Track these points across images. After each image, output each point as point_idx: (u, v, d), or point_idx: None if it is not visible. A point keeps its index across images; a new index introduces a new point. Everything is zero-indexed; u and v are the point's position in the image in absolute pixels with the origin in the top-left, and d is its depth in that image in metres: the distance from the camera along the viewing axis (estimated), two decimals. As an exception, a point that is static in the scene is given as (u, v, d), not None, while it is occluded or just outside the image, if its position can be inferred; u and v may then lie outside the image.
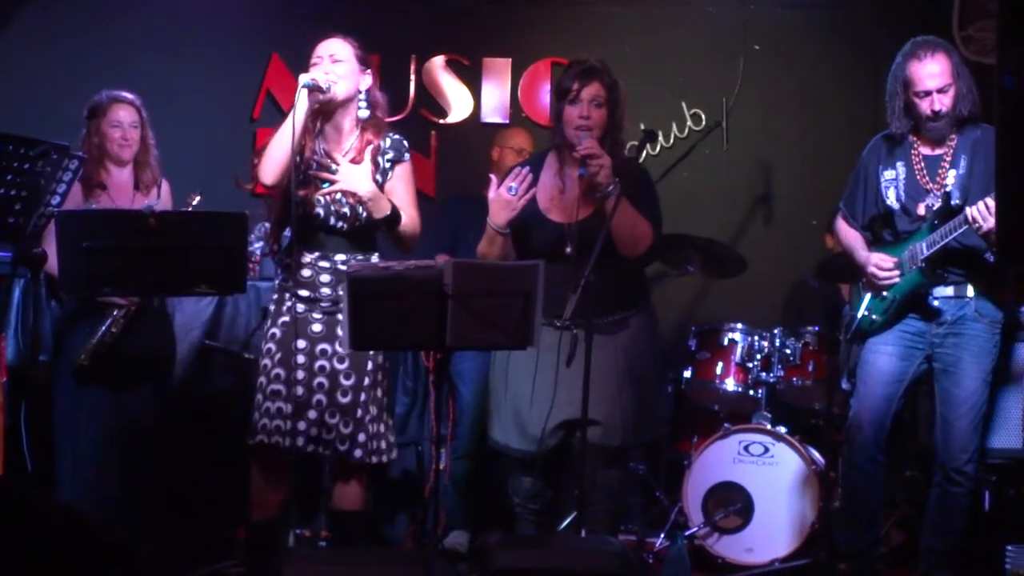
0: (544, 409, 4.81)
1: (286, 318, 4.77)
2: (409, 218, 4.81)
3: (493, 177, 4.91)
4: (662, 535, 5.89)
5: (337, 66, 4.73)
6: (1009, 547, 5.15)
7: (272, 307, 4.84)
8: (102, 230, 4.69)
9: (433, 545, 5.03)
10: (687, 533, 5.71)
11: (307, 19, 7.09)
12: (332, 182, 4.70)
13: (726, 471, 5.80)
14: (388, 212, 4.73)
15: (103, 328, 5.25)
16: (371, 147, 4.79)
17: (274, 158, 4.67)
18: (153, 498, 5.25)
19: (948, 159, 5.02)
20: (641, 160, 5.75)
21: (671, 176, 6.68)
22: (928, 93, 4.94)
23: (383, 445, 4.81)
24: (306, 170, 4.73)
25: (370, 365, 4.76)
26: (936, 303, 5.03)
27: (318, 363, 4.73)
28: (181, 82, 7.06)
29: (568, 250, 4.84)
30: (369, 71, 4.83)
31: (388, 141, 4.85)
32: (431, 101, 7.37)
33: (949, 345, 5.02)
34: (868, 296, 5.16)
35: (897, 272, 5.04)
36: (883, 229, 5.19)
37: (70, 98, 7.00)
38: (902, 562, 5.65)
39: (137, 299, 5.26)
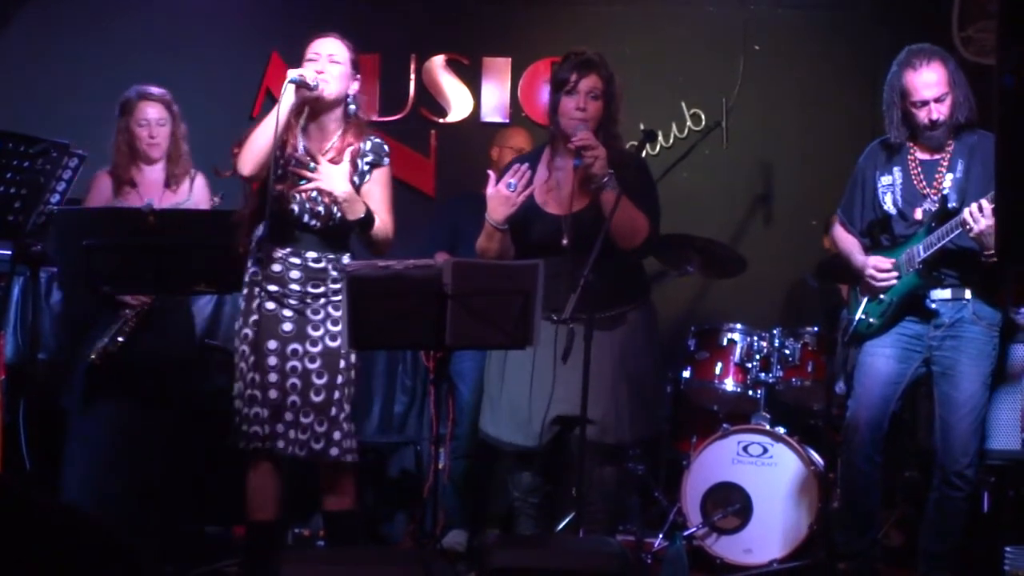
0: (540, 404, 4.81)
1: (255, 316, 4.73)
2: (383, 222, 4.77)
3: (491, 173, 4.92)
4: (661, 535, 5.89)
5: (332, 67, 4.73)
6: (1008, 548, 5.15)
7: (242, 302, 4.80)
8: (101, 228, 4.69)
9: (432, 544, 5.03)
10: (686, 533, 5.71)
11: (307, 18, 7.09)
12: (310, 179, 4.68)
13: (725, 471, 5.80)
14: (362, 215, 4.70)
15: (115, 328, 5.25)
16: (351, 149, 4.76)
17: (254, 150, 4.63)
18: (154, 497, 5.27)
19: (945, 164, 5.02)
20: (641, 159, 5.75)
21: (671, 176, 6.68)
22: (925, 103, 4.94)
23: (352, 444, 4.78)
24: (285, 165, 4.71)
25: (343, 364, 4.73)
26: (933, 305, 5.03)
27: (290, 364, 4.71)
28: (181, 81, 7.02)
29: (564, 242, 4.85)
30: (359, 75, 4.84)
31: (368, 144, 4.82)
32: (431, 100, 7.37)
33: (947, 348, 5.02)
34: (865, 300, 5.16)
35: (895, 274, 5.05)
36: (881, 234, 5.20)
37: (70, 97, 7.04)
38: (902, 563, 5.65)
39: (148, 300, 5.27)
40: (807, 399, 6.21)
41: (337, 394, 4.72)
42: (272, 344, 4.70)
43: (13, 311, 5.49)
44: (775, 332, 6.12)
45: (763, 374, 6.06)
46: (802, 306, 6.85)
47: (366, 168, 4.80)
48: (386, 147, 4.88)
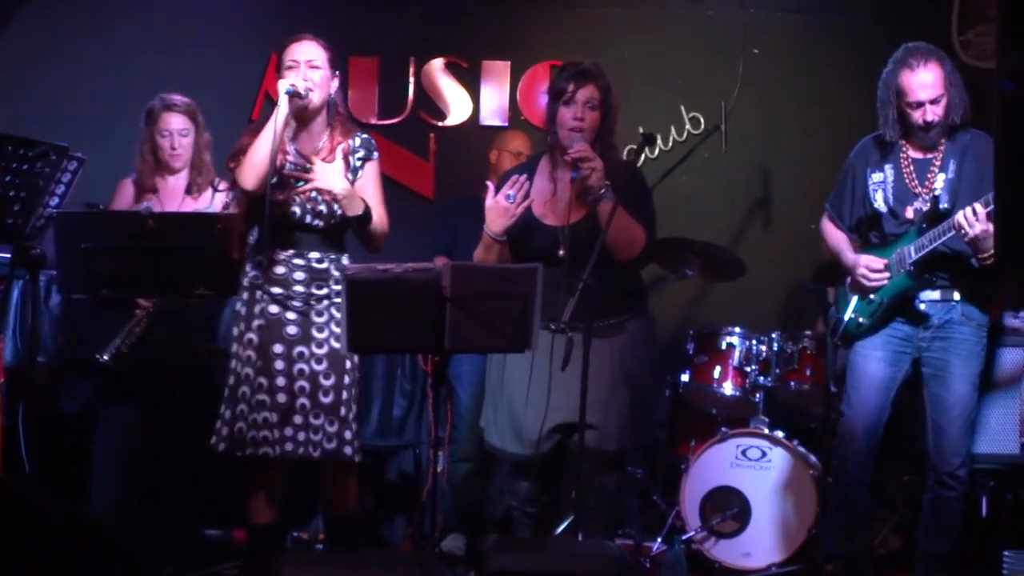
0: (539, 412, 4.80)
1: (260, 321, 4.76)
2: (379, 216, 4.82)
3: (490, 184, 4.92)
4: (659, 539, 5.90)
5: (313, 73, 4.76)
6: (1006, 552, 5.16)
7: (242, 308, 4.81)
8: (101, 231, 4.70)
9: (430, 548, 5.04)
10: (684, 537, 5.71)
11: (306, 20, 7.05)
12: (308, 181, 4.70)
13: (723, 475, 5.80)
14: (361, 210, 4.73)
15: (127, 328, 5.24)
16: (342, 146, 4.81)
17: (255, 163, 4.67)
18: (154, 499, 5.27)
19: (937, 163, 5.03)
20: (640, 164, 5.75)
21: (670, 180, 6.63)
22: (921, 104, 4.94)
23: (358, 443, 4.83)
24: (280, 171, 4.72)
25: (348, 364, 4.77)
26: (923, 307, 5.04)
27: (296, 366, 4.73)
28: (180, 82, 7.01)
29: (560, 253, 4.84)
30: (337, 72, 4.86)
31: (358, 140, 4.87)
32: (430, 103, 7.36)
33: (937, 349, 5.03)
34: (855, 299, 5.16)
35: (886, 274, 5.05)
36: (870, 231, 5.20)
37: (70, 98, 7.03)
38: (900, 567, 5.65)
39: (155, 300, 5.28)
40: (806, 403, 6.21)
41: (345, 394, 4.76)
42: (278, 348, 4.73)
43: (12, 314, 5.49)
44: (774, 336, 6.12)
45: (762, 378, 6.06)
46: (801, 310, 6.85)
47: (358, 164, 4.84)
48: (373, 141, 4.93)
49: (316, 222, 4.77)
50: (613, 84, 4.97)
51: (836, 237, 5.29)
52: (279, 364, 4.72)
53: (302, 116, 4.80)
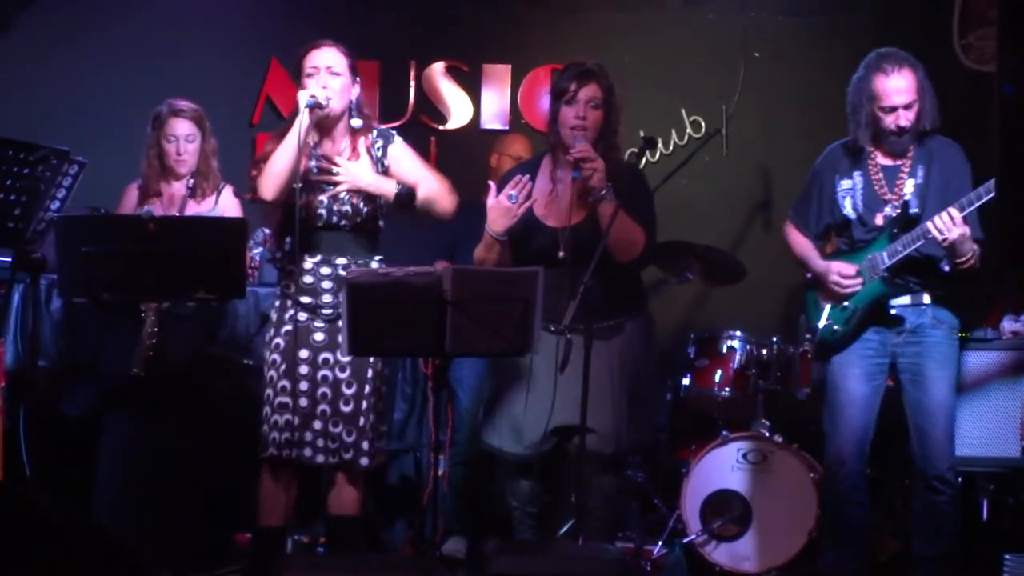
0: (539, 414, 4.81)
1: (288, 327, 4.81)
2: (428, 182, 4.89)
3: (492, 184, 4.92)
4: (660, 542, 5.89)
5: (334, 80, 4.80)
6: (1007, 555, 5.15)
7: (274, 314, 4.90)
8: (102, 235, 4.69)
9: (431, 551, 5.04)
10: (685, 541, 5.71)
11: (307, 23, 7.08)
12: (336, 183, 4.74)
13: (724, 479, 5.79)
14: (396, 190, 4.80)
15: (143, 333, 5.23)
16: (363, 141, 4.88)
17: (275, 174, 4.73)
18: (156, 502, 5.27)
19: (907, 170, 5.06)
20: (640, 167, 5.75)
21: (671, 183, 6.68)
22: (894, 109, 4.97)
23: (375, 448, 4.87)
24: (305, 177, 4.76)
25: (370, 373, 4.80)
26: (894, 311, 5.05)
27: (320, 373, 4.78)
28: (181, 86, 7.02)
29: (561, 254, 4.85)
30: (359, 79, 4.89)
31: (374, 133, 4.95)
32: (431, 107, 7.37)
33: (912, 354, 5.03)
34: (828, 306, 5.17)
35: (859, 280, 5.06)
36: (838, 237, 5.23)
37: (71, 102, 7.04)
38: (899, 571, 5.64)
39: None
40: (806, 406, 6.20)
41: (365, 404, 4.80)
42: (304, 353, 4.78)
43: (13, 318, 5.49)
44: (775, 339, 6.12)
45: (762, 381, 6.06)
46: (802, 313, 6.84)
47: (380, 154, 4.89)
48: (390, 130, 5.04)
49: (343, 223, 4.83)
50: (616, 85, 4.97)
51: (802, 244, 5.31)
52: (303, 369, 4.77)
53: (323, 123, 4.85)
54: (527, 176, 4.86)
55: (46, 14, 7.22)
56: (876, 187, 5.07)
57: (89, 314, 5.43)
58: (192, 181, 5.51)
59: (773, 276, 6.96)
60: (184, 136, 5.49)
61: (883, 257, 4.99)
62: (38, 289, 5.16)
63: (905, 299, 5.05)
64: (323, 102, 4.71)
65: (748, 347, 6.11)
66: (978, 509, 5.55)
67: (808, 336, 5.40)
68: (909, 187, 5.01)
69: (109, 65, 7.10)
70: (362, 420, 4.78)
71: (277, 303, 4.90)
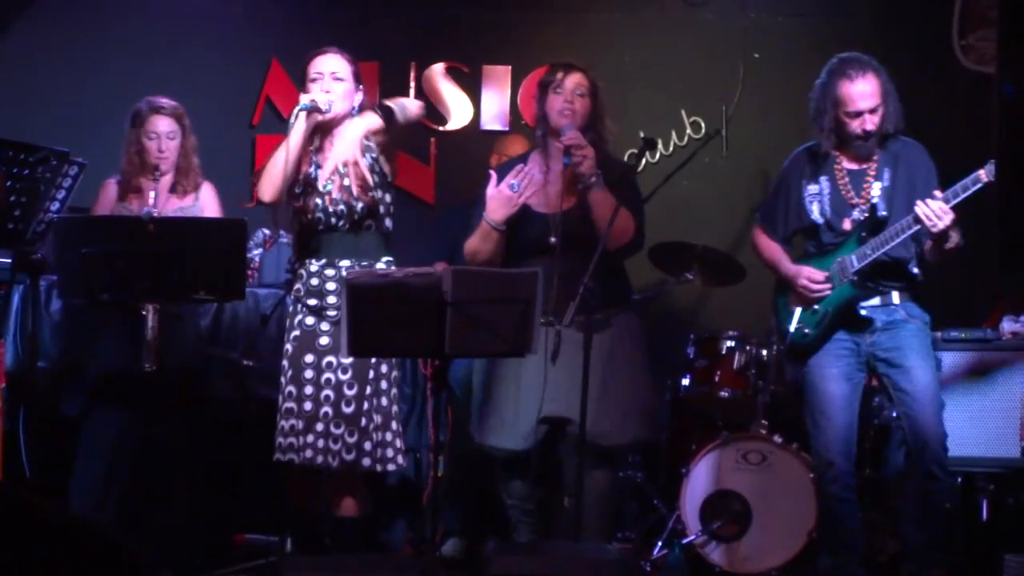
0: (529, 405, 4.87)
1: (296, 332, 4.89)
2: (398, 103, 4.96)
3: (492, 173, 4.97)
4: (660, 543, 5.89)
5: (337, 85, 4.85)
6: (1008, 556, 5.15)
7: (287, 320, 4.98)
8: (101, 236, 4.69)
9: (431, 552, 5.03)
10: (685, 541, 5.71)
11: (307, 25, 7.09)
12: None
13: (724, 479, 5.79)
14: (380, 116, 4.86)
15: (146, 330, 5.21)
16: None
17: (271, 176, 4.79)
18: (155, 503, 5.27)
19: (872, 173, 5.10)
20: (640, 168, 5.76)
21: (670, 184, 6.68)
22: (860, 113, 5.00)
23: (389, 453, 4.91)
24: (304, 183, 4.87)
25: (371, 374, 4.83)
26: (864, 312, 5.07)
27: (324, 376, 4.83)
28: (180, 87, 7.02)
29: (552, 240, 4.89)
30: (362, 86, 4.94)
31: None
32: (431, 108, 7.36)
33: (890, 348, 5.05)
34: (799, 310, 5.18)
35: (828, 285, 5.08)
36: (806, 241, 5.25)
37: (70, 103, 7.03)
38: (897, 571, 5.64)
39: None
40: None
41: (366, 404, 4.82)
42: (309, 358, 4.84)
43: (13, 319, 5.49)
44: (774, 340, 6.11)
45: (762, 382, 6.06)
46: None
47: (368, 142, 4.94)
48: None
49: (340, 223, 4.87)
50: (600, 82, 5.11)
51: (771, 249, 5.34)
52: (308, 373, 4.83)
53: (325, 127, 4.89)
54: (530, 165, 4.90)
55: (46, 14, 7.22)
56: (843, 191, 5.12)
57: (87, 312, 5.41)
58: (173, 178, 5.49)
59: (773, 277, 6.95)
60: (165, 133, 5.46)
61: (852, 260, 5.02)
62: (38, 290, 5.17)
63: (875, 300, 5.08)
64: (323, 107, 4.77)
65: (748, 348, 6.11)
66: (978, 509, 5.55)
67: (778, 339, 5.44)
68: (876, 190, 5.06)
69: (109, 65, 7.09)
70: (364, 421, 4.79)
71: (290, 308, 4.98)
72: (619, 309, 5.06)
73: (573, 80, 5.01)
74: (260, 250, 6.07)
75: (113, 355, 5.31)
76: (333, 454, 4.78)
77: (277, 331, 5.28)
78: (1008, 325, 5.64)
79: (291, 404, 4.83)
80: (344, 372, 4.80)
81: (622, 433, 5.03)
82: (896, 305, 5.07)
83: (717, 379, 6.14)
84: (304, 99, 4.75)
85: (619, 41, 7.26)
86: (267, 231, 6.11)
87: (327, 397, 4.80)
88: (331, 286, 4.83)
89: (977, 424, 5.47)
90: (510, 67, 7.35)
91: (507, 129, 7.26)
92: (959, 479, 5.62)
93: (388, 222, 4.98)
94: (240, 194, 5.70)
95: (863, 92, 4.98)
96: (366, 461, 4.82)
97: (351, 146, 4.86)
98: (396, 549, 6.14)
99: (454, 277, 4.15)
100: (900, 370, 5.02)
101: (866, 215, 5.03)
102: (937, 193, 4.83)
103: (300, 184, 4.81)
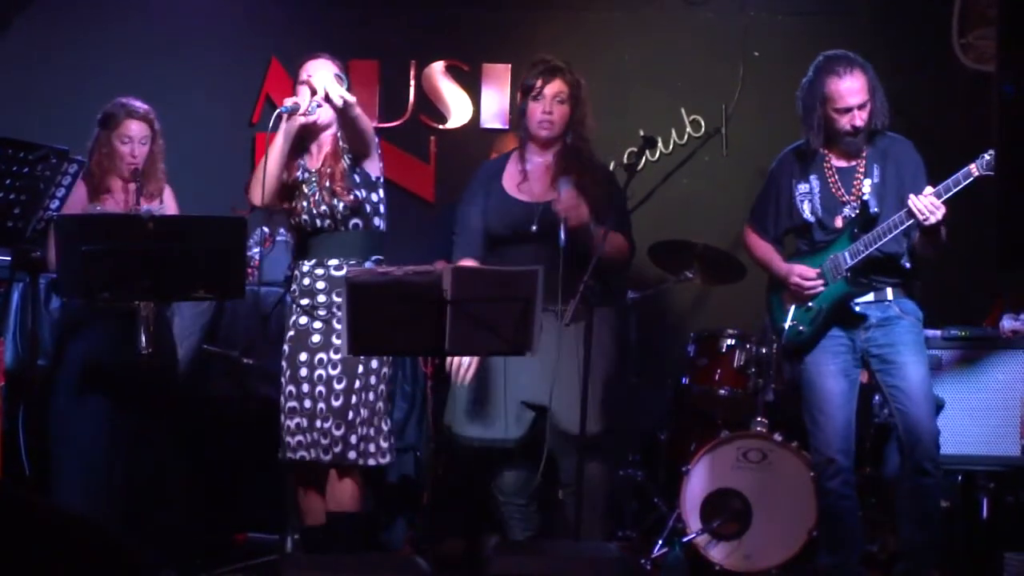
0: (512, 394, 4.99)
1: (292, 332, 4.96)
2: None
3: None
4: (660, 541, 5.89)
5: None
6: (1008, 555, 5.15)
7: (286, 321, 5.05)
8: (101, 234, 4.69)
9: (431, 551, 5.04)
10: (685, 539, 5.71)
11: (307, 23, 7.09)
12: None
13: (724, 477, 5.79)
14: (341, 104, 4.78)
15: (143, 320, 5.19)
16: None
17: (258, 179, 4.88)
18: (154, 502, 5.26)
19: (862, 170, 5.12)
20: (640, 166, 5.74)
21: (670, 182, 6.69)
22: (848, 110, 5.02)
23: (372, 448, 4.92)
24: (293, 187, 4.96)
25: (360, 368, 4.87)
26: (858, 308, 5.08)
27: (316, 373, 4.89)
28: (180, 86, 7.06)
29: (533, 228, 5.01)
30: (351, 90, 5.01)
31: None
32: (430, 107, 7.37)
33: (883, 344, 5.06)
34: (793, 308, 5.19)
35: (820, 282, 5.09)
36: (798, 240, 5.27)
37: (69, 101, 7.02)
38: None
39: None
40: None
41: (354, 398, 4.85)
42: (303, 356, 4.91)
43: (12, 317, 5.49)
44: (774, 338, 6.11)
45: (762, 380, 6.06)
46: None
47: (344, 145, 4.99)
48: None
49: (326, 223, 4.93)
50: (583, 79, 5.18)
51: (763, 248, 5.36)
52: (303, 372, 4.89)
53: (312, 132, 4.96)
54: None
55: (46, 14, 7.22)
56: (833, 189, 5.13)
57: (83, 308, 5.38)
58: (139, 182, 5.45)
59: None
60: (139, 138, 5.43)
61: (845, 257, 5.04)
62: (37, 288, 5.16)
63: (868, 296, 5.09)
64: (310, 109, 4.83)
65: (748, 346, 6.12)
66: (978, 508, 5.55)
67: (774, 338, 5.45)
68: (866, 187, 5.07)
69: (109, 65, 7.09)
70: (351, 414, 4.83)
71: (287, 311, 5.05)
72: (600, 303, 5.09)
73: (552, 89, 5.07)
74: (259, 248, 6.08)
75: (103, 347, 5.30)
76: (324, 448, 4.84)
77: (277, 329, 5.28)
78: (1008, 323, 5.64)
79: (293, 403, 4.90)
80: (334, 367, 4.86)
81: (600, 422, 5.06)
82: (890, 301, 5.08)
83: (717, 377, 6.14)
84: (288, 102, 4.84)
85: (619, 39, 7.26)
86: (266, 229, 6.11)
87: (320, 393, 4.87)
88: (320, 285, 4.91)
89: (977, 422, 5.47)
90: (510, 65, 7.35)
91: (507, 127, 7.25)
92: (959, 477, 5.62)
93: (378, 221, 5.00)
94: (240, 194, 5.66)
95: (851, 88, 5.00)
96: (351, 454, 4.86)
97: (330, 146, 4.95)
98: (396, 548, 6.14)
99: (454, 275, 4.15)
100: (893, 366, 5.03)
101: (857, 212, 5.04)
102: (929, 188, 4.85)
103: (290, 187, 4.94)
